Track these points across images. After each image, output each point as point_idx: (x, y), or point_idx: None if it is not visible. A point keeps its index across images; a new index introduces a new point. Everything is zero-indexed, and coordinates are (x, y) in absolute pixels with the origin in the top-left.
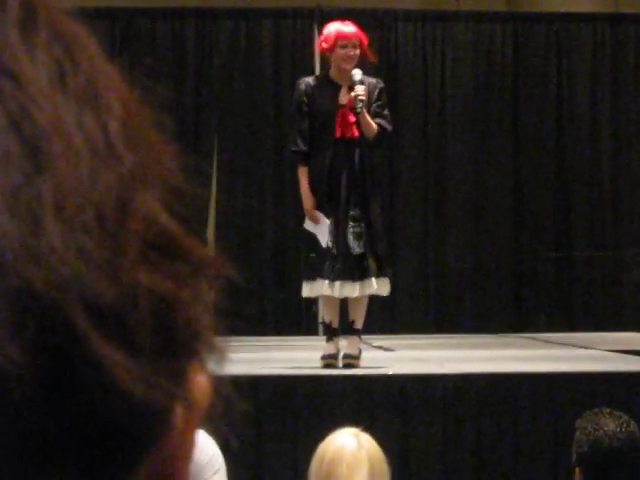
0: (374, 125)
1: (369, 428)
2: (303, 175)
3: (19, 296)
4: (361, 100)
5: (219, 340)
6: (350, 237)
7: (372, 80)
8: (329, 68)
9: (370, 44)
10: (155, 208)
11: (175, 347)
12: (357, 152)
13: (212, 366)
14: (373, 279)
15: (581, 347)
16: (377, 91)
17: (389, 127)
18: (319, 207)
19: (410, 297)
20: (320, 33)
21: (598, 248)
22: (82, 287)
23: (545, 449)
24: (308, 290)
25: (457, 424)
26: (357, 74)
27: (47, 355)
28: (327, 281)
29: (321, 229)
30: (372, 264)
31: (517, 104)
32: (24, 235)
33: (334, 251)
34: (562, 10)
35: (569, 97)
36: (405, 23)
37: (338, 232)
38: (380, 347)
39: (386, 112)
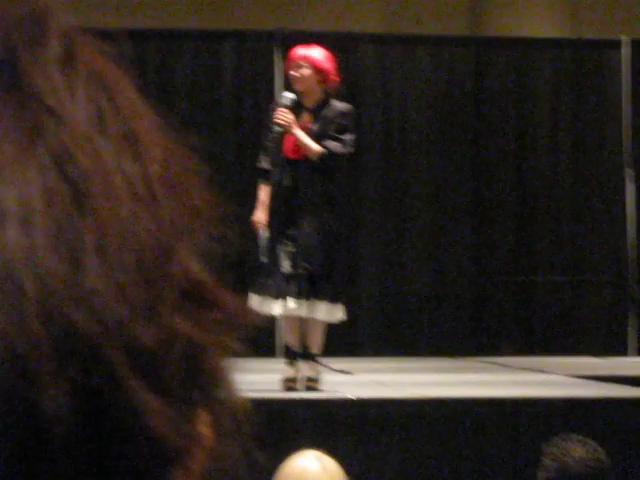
0: (314, 148)
1: (330, 451)
2: (261, 191)
3: (63, 337)
4: (277, 124)
5: (237, 387)
6: (282, 255)
7: (339, 105)
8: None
9: (334, 69)
10: (191, 257)
11: (198, 393)
12: (301, 172)
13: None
14: (292, 300)
15: (541, 372)
16: (338, 114)
17: (339, 150)
18: (269, 224)
19: (370, 320)
20: (283, 56)
21: (558, 273)
22: (123, 332)
23: (506, 475)
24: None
25: (416, 448)
26: (284, 97)
27: (86, 397)
28: (256, 296)
29: (260, 243)
30: (298, 285)
31: (479, 127)
32: (67, 275)
33: (268, 268)
34: (523, 35)
35: (530, 119)
36: (367, 46)
37: (273, 250)
38: (340, 370)
39: (344, 136)
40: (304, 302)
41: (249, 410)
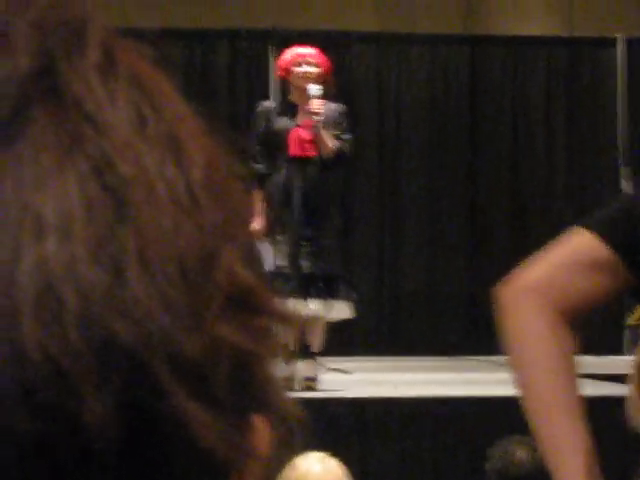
0: (331, 145)
1: (329, 452)
2: (257, 198)
3: (105, 349)
4: (316, 114)
5: (290, 396)
6: (301, 256)
7: (332, 105)
8: (288, 93)
9: (331, 72)
10: (236, 261)
11: (249, 403)
12: (310, 171)
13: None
14: (316, 300)
15: None
16: (337, 114)
17: (347, 151)
18: (274, 226)
19: (365, 319)
20: (276, 56)
21: None
22: (167, 341)
23: None
24: None
25: (415, 447)
26: (312, 89)
27: (130, 410)
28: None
29: (265, 251)
30: (317, 286)
31: (473, 125)
32: (109, 286)
33: (286, 270)
34: (517, 33)
35: (524, 117)
36: (361, 44)
37: (291, 251)
38: (337, 369)
39: (346, 136)
40: (323, 302)
41: (302, 416)
